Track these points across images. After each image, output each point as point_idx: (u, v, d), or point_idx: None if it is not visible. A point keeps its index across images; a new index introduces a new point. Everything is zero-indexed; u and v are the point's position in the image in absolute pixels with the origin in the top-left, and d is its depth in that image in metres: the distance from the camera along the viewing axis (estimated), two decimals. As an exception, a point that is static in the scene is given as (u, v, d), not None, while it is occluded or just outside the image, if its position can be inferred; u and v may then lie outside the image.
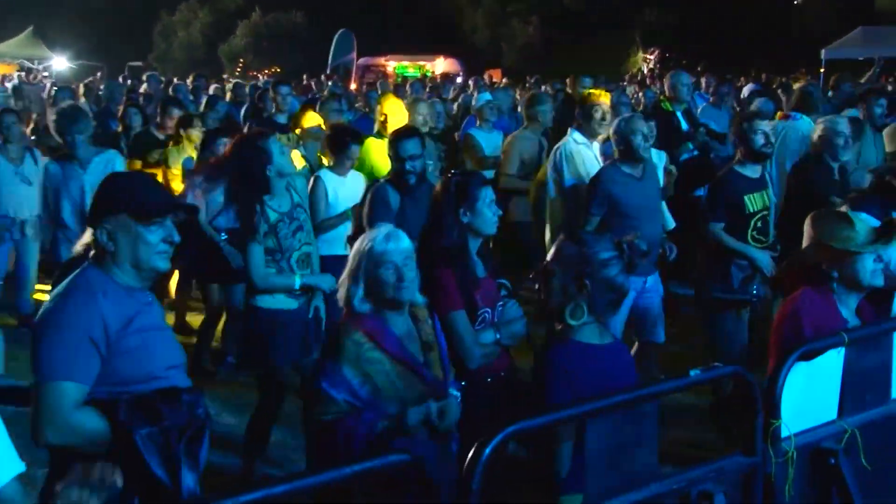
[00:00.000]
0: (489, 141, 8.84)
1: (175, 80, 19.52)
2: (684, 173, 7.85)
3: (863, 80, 10.91)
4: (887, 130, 7.77)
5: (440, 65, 29.47)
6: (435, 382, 3.17)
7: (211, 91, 14.44)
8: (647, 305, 6.11)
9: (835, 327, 3.28)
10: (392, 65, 29.74)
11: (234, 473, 4.97)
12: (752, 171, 5.90)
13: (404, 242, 3.24)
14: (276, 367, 4.90)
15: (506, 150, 8.10)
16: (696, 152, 8.17)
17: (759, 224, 5.82)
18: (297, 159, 6.93)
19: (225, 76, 28.90)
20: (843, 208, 3.52)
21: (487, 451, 2.33)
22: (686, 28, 31.19)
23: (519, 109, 12.77)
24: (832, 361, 3.12)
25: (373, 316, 3.20)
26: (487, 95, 9.75)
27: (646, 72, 31.03)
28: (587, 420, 2.57)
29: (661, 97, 9.00)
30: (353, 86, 24.27)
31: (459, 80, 23.90)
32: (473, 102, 10.54)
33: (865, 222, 3.41)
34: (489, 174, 7.54)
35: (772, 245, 5.82)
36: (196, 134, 7.54)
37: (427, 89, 15.92)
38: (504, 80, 22.41)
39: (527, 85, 19.80)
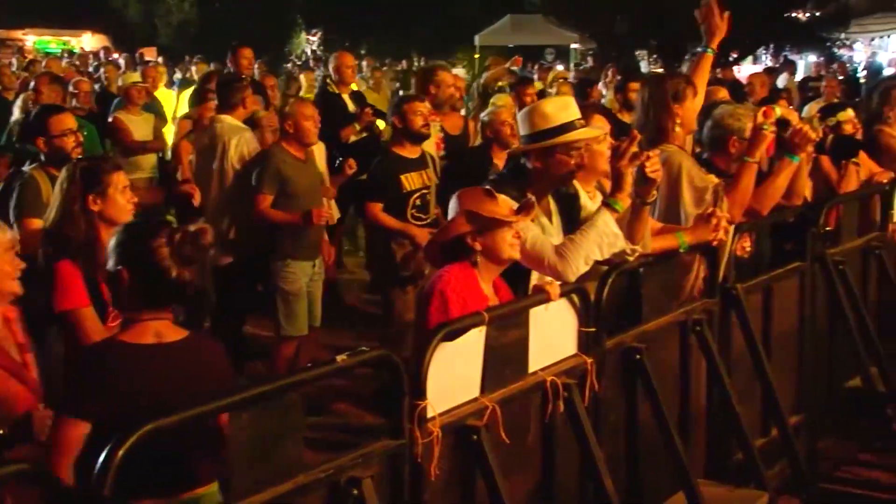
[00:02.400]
0: (138, 125, 8.54)
1: None
2: (353, 156, 8.03)
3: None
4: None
5: (88, 41, 27.93)
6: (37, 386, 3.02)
7: None
8: (312, 290, 6.22)
9: (478, 304, 3.49)
10: (31, 39, 27.78)
11: None
12: (410, 151, 6.23)
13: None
14: None
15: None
16: (364, 134, 8.38)
17: (417, 202, 6.13)
18: None
19: None
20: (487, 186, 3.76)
21: (121, 453, 2.25)
22: (347, 10, 31.76)
23: (174, 90, 12.42)
24: (474, 339, 3.32)
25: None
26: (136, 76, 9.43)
27: (309, 53, 31.28)
28: (231, 414, 2.56)
29: (328, 80, 9.13)
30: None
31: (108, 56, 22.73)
32: (120, 82, 10.12)
33: (507, 199, 3.67)
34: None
35: (433, 223, 6.14)
36: None
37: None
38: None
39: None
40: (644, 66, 30.56)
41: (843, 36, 30.02)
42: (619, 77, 14.71)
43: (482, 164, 6.48)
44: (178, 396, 2.65)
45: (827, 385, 5.60)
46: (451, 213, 3.69)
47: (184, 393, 2.72)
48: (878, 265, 5.87)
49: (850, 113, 6.09)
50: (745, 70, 24.10)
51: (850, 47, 32.39)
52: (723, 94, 6.89)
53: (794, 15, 30.07)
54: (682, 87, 4.80)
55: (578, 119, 3.94)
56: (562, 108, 3.93)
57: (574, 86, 11.46)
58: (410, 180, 6.15)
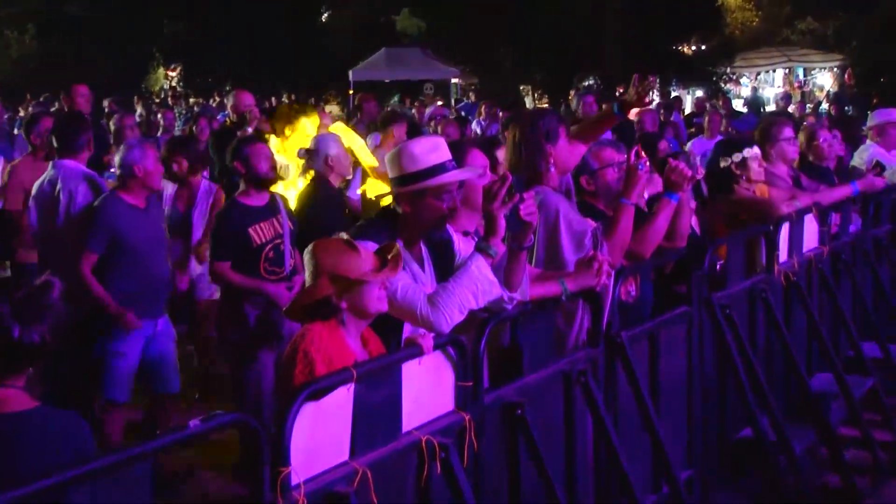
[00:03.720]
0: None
1: None
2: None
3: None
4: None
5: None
6: None
7: None
8: (159, 351, 6.05)
9: (345, 361, 3.47)
10: None
11: None
12: (258, 199, 6.08)
13: None
14: None
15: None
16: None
17: (270, 255, 6.01)
18: None
19: None
20: (345, 236, 3.76)
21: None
22: (208, 44, 31.51)
23: (17, 131, 12.10)
24: (342, 398, 3.30)
25: None
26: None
27: (167, 88, 30.90)
28: (67, 489, 2.48)
29: (228, 119, 9.14)
30: None
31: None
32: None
33: (368, 250, 3.68)
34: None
35: (288, 276, 6.02)
36: None
37: None
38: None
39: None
40: (529, 102, 31.27)
41: (728, 70, 31.33)
42: (501, 113, 15.04)
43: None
44: (17, 471, 2.57)
45: (717, 436, 5.75)
46: (306, 268, 3.66)
47: (25, 467, 2.63)
48: (765, 309, 6.08)
49: (756, 150, 6.35)
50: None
51: (737, 81, 33.82)
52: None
53: (679, 48, 31.28)
54: (554, 126, 4.93)
55: (449, 160, 3.99)
56: (431, 150, 3.98)
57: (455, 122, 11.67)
58: (260, 232, 5.97)
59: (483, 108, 17.17)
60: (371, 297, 3.61)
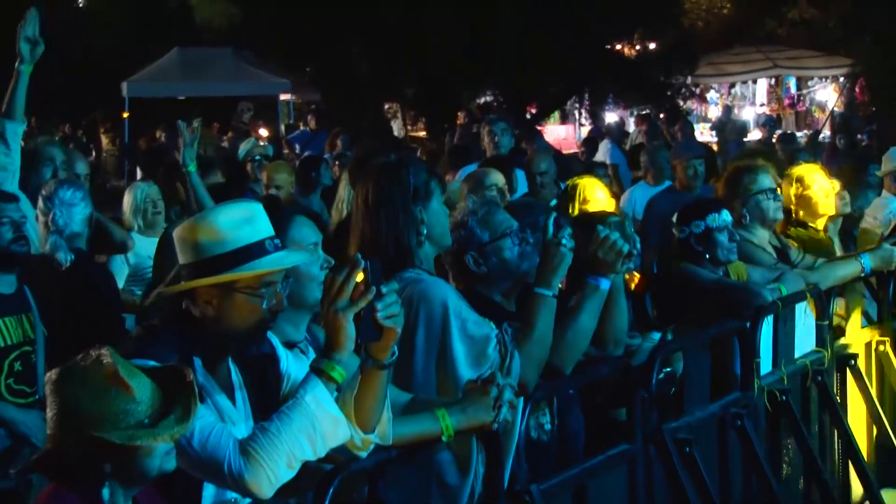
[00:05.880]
0: None
1: None
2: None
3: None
4: None
5: None
6: None
7: None
8: None
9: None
10: None
11: None
12: (4, 285, 6.14)
13: None
14: None
15: None
16: None
17: (17, 367, 6.09)
18: None
19: None
20: (108, 359, 3.72)
21: None
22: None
23: None
24: None
25: None
26: None
27: None
28: None
29: None
30: None
31: None
32: None
33: (146, 384, 3.62)
34: None
35: (42, 399, 5.98)
36: None
37: None
38: None
39: None
40: (396, 128, 31.48)
41: (688, 80, 31.61)
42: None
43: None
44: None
45: None
46: (48, 409, 3.59)
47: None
48: (742, 442, 6.21)
49: (724, 217, 6.49)
50: (549, 133, 25.34)
51: (702, 97, 34.50)
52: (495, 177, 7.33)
53: (617, 48, 31.62)
54: (424, 180, 5.02)
55: (270, 237, 4.02)
56: (244, 221, 3.99)
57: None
58: (2, 331, 6.08)
59: (339, 141, 17.16)
60: (148, 456, 3.59)
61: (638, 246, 5.63)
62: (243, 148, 13.49)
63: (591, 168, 12.95)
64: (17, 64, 7.29)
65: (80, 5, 35.59)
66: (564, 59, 24.79)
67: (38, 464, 3.68)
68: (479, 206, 5.34)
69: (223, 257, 3.97)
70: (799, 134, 26.09)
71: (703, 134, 27.29)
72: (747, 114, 33.60)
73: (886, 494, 7.14)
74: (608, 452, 5.46)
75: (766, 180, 7.15)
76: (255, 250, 3.99)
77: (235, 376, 4.13)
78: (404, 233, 4.94)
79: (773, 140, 19.68)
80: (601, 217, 6.13)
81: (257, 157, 12.53)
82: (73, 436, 3.53)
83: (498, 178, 8.12)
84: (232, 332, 4.04)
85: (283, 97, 29.67)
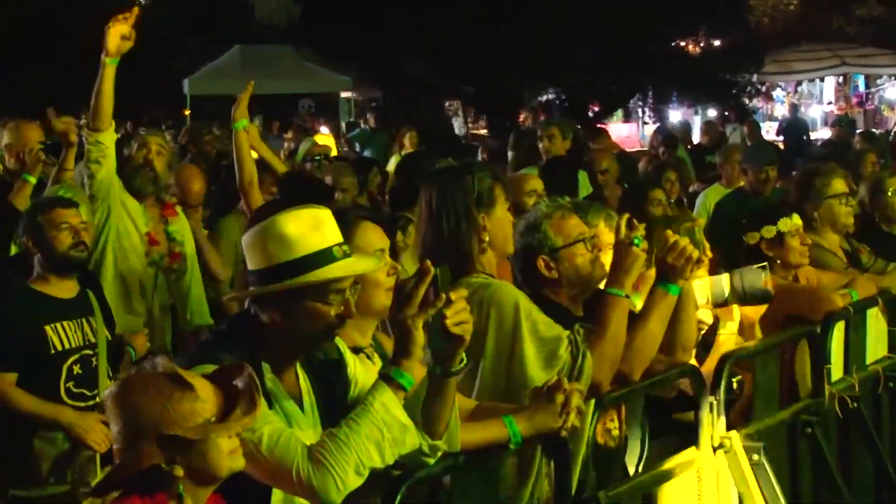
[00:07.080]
0: None
1: None
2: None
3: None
4: None
5: None
6: None
7: None
8: None
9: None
10: None
11: None
12: (60, 288, 6.22)
13: None
14: None
15: None
16: None
17: (76, 370, 6.12)
18: None
19: None
20: (164, 363, 3.73)
21: None
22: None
23: None
24: None
25: None
26: None
27: None
28: None
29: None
30: None
31: None
32: None
33: (207, 386, 3.64)
34: None
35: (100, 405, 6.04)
36: None
37: None
38: None
39: None
40: (457, 126, 31.53)
41: (754, 79, 31.51)
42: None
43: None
44: None
45: None
46: (111, 421, 3.59)
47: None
48: (812, 451, 6.18)
49: (796, 221, 6.45)
50: (612, 132, 25.20)
51: (768, 95, 34.38)
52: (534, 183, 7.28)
53: (681, 47, 31.52)
54: (488, 186, 5.02)
55: (339, 244, 4.03)
56: (312, 227, 4.01)
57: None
58: (62, 335, 6.08)
59: (406, 138, 17.02)
60: (219, 455, 3.61)
61: (708, 252, 5.60)
62: (302, 147, 13.40)
63: (678, 166, 12.78)
64: (102, 55, 7.19)
65: (143, 3, 35.85)
66: (628, 57, 24.73)
67: (110, 480, 3.69)
68: (553, 209, 5.32)
69: (291, 264, 3.98)
70: (867, 133, 25.75)
71: (769, 133, 27.10)
72: (814, 112, 33.37)
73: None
74: (675, 460, 5.45)
75: (839, 184, 7.11)
76: (323, 257, 4.00)
77: (303, 382, 4.15)
78: (466, 239, 4.94)
79: (854, 139, 19.38)
80: (672, 221, 6.10)
81: (317, 158, 12.46)
82: (142, 443, 3.55)
83: (537, 183, 8.06)
84: (300, 338, 4.06)
85: (343, 94, 29.74)
